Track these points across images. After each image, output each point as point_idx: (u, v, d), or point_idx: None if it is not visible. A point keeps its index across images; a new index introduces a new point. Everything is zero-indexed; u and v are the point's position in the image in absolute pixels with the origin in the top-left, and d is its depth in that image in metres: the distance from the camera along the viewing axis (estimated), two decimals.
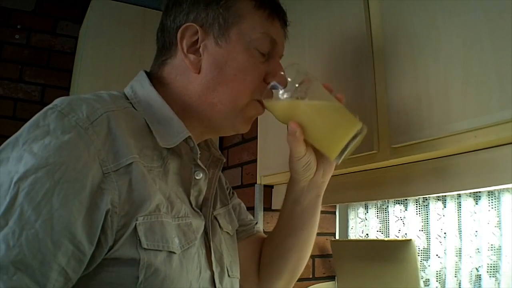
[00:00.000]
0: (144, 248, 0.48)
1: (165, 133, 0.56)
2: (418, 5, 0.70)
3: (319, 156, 0.67)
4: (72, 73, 1.82)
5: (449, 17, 0.64)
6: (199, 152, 0.58)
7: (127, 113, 0.54)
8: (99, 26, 1.51)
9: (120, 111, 0.53)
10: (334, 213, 1.44)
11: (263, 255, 0.78)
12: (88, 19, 1.56)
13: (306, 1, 1.02)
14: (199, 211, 0.61)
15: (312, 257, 1.34)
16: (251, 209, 1.34)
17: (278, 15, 0.64)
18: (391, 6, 0.76)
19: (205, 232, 0.62)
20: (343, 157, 0.58)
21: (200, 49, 0.60)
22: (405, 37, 0.72)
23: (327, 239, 1.39)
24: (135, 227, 0.47)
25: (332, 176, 0.93)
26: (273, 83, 0.61)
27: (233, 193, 0.81)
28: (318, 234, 1.39)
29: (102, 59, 1.48)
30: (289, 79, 0.60)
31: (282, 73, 0.62)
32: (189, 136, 0.57)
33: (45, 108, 0.49)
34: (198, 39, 0.60)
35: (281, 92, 0.60)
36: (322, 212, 1.41)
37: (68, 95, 1.77)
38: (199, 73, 0.60)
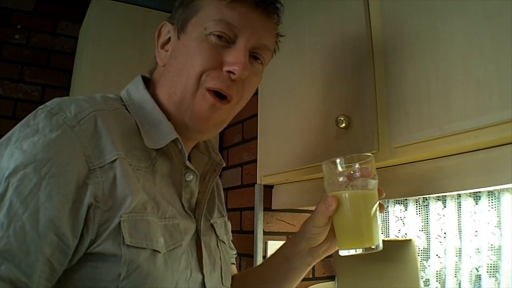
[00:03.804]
0: (127, 245, 0.49)
1: (154, 134, 0.57)
2: (418, 5, 0.70)
3: (332, 234, 0.67)
4: (72, 73, 1.82)
5: (449, 17, 0.64)
6: (187, 154, 0.59)
7: (117, 114, 0.56)
8: (99, 26, 1.51)
9: (110, 111, 0.55)
10: None
11: None
12: (88, 19, 1.56)
13: (306, 1, 1.02)
14: (191, 213, 0.61)
15: None
16: (251, 209, 1.33)
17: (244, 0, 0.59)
18: (391, 6, 0.76)
19: (197, 235, 0.62)
20: (347, 254, 0.61)
21: (169, 45, 0.63)
22: (405, 37, 0.72)
23: None
24: (119, 223, 0.49)
25: None
26: (340, 159, 0.61)
27: (227, 217, 0.80)
28: None
29: (102, 59, 1.48)
30: (357, 165, 0.61)
31: (240, 62, 0.58)
32: (177, 138, 0.57)
33: (37, 109, 0.51)
34: (171, 36, 0.63)
35: (340, 169, 0.61)
36: None
37: (68, 95, 1.77)
38: (164, 66, 0.62)
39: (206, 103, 0.58)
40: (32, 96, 1.76)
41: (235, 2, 0.59)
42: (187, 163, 0.60)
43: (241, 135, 1.54)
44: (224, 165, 0.71)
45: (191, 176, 0.61)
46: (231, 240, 0.80)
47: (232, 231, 0.84)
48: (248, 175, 1.44)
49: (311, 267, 0.72)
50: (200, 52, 0.58)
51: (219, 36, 0.58)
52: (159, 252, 0.52)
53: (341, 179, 0.62)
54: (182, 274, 0.55)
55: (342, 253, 0.62)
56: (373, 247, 0.60)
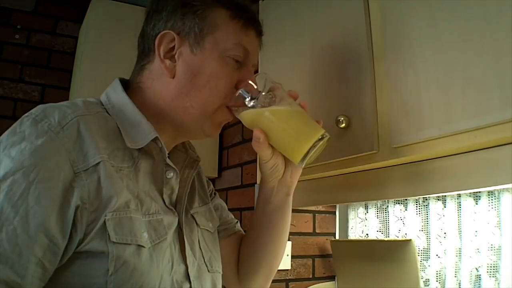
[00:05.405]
0: (113, 242, 0.51)
1: (134, 135, 0.60)
2: (418, 5, 0.70)
3: (286, 159, 0.70)
4: (72, 73, 1.82)
5: (449, 17, 0.64)
6: (167, 152, 0.62)
7: (99, 117, 0.58)
8: (99, 26, 1.51)
9: (92, 115, 0.57)
10: (334, 213, 1.44)
11: (241, 251, 0.82)
12: (88, 19, 1.56)
13: (306, 1, 1.02)
14: (172, 208, 0.64)
15: (312, 257, 1.34)
16: (251, 209, 1.34)
17: (253, 25, 0.67)
18: (391, 6, 0.76)
19: (180, 228, 0.64)
20: (306, 161, 0.61)
21: (176, 56, 0.64)
22: (405, 37, 0.72)
23: (327, 239, 1.39)
24: (104, 222, 0.51)
25: (332, 176, 0.92)
26: (240, 90, 0.63)
27: (215, 193, 0.85)
28: (318, 234, 1.39)
29: (102, 59, 1.48)
30: (256, 88, 0.63)
31: (252, 82, 0.64)
32: (157, 137, 0.60)
33: (22, 116, 0.54)
34: (174, 46, 0.64)
35: (248, 99, 0.63)
36: (322, 212, 1.42)
37: (68, 95, 1.77)
38: (173, 78, 0.63)
39: (225, 116, 0.66)
40: (32, 96, 1.77)
41: (247, 26, 0.66)
42: (168, 161, 0.62)
43: (241, 135, 1.54)
44: (200, 160, 0.74)
45: (172, 174, 0.63)
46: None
47: None
48: (248, 175, 1.45)
49: (291, 198, 0.75)
50: (223, 75, 0.64)
51: (236, 59, 0.64)
52: (143, 247, 0.54)
53: (251, 109, 0.63)
54: (166, 267, 0.58)
55: (301, 164, 0.62)
56: (319, 137, 0.60)
